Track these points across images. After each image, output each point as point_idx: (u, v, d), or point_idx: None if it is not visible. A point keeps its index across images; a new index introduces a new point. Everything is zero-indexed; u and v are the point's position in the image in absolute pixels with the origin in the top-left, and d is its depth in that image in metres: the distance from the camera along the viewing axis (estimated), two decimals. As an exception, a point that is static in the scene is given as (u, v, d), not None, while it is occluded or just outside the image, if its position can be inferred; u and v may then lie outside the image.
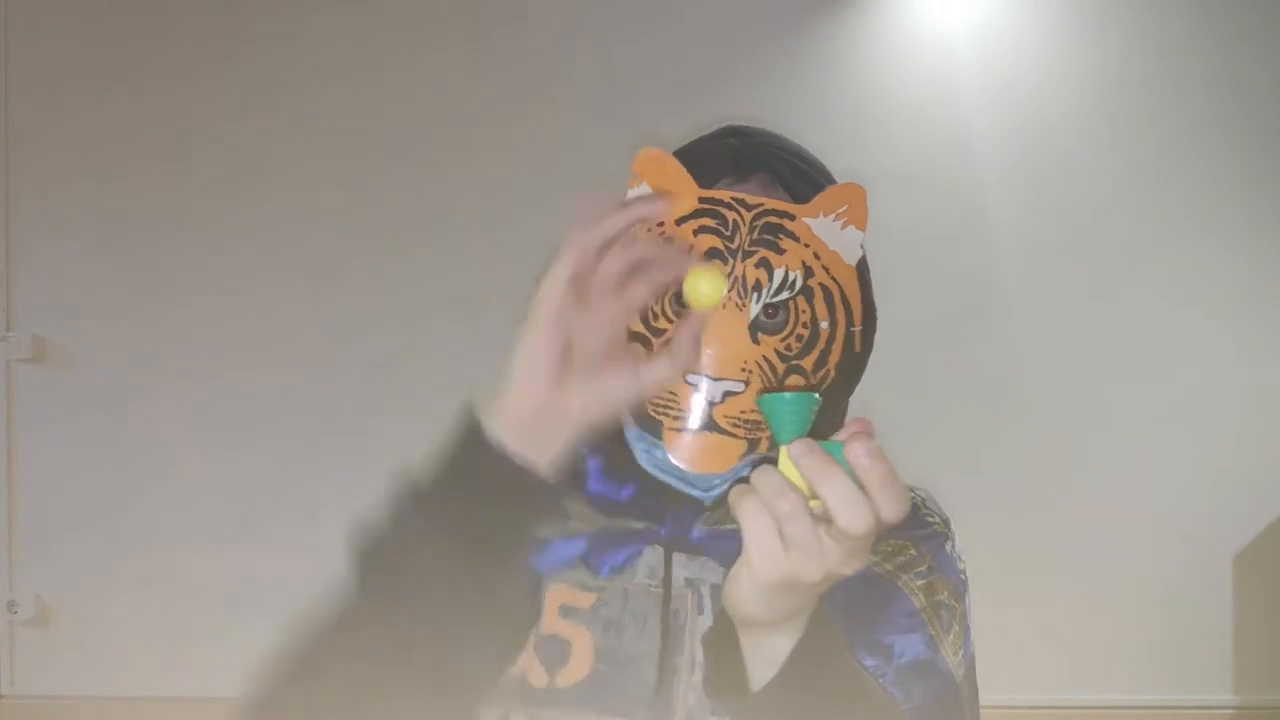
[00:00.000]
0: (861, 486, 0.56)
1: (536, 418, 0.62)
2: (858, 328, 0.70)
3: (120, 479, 2.14)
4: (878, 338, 0.76)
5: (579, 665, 0.73)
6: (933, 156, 2.14)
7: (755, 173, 0.73)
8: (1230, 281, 2.15)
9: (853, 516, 0.55)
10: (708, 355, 0.66)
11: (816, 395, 0.60)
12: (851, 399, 0.79)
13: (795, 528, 0.56)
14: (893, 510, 0.56)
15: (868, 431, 0.58)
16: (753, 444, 0.67)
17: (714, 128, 0.80)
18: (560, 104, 2.15)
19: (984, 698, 0.87)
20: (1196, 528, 2.13)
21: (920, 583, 0.78)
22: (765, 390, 0.65)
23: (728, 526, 0.73)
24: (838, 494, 0.55)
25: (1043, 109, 2.15)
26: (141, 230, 2.15)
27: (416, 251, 2.15)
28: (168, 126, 2.16)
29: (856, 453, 0.56)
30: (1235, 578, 2.14)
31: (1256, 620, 2.14)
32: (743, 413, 0.66)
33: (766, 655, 0.63)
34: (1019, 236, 2.13)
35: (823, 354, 0.68)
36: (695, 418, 0.66)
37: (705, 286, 0.61)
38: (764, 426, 0.66)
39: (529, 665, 0.74)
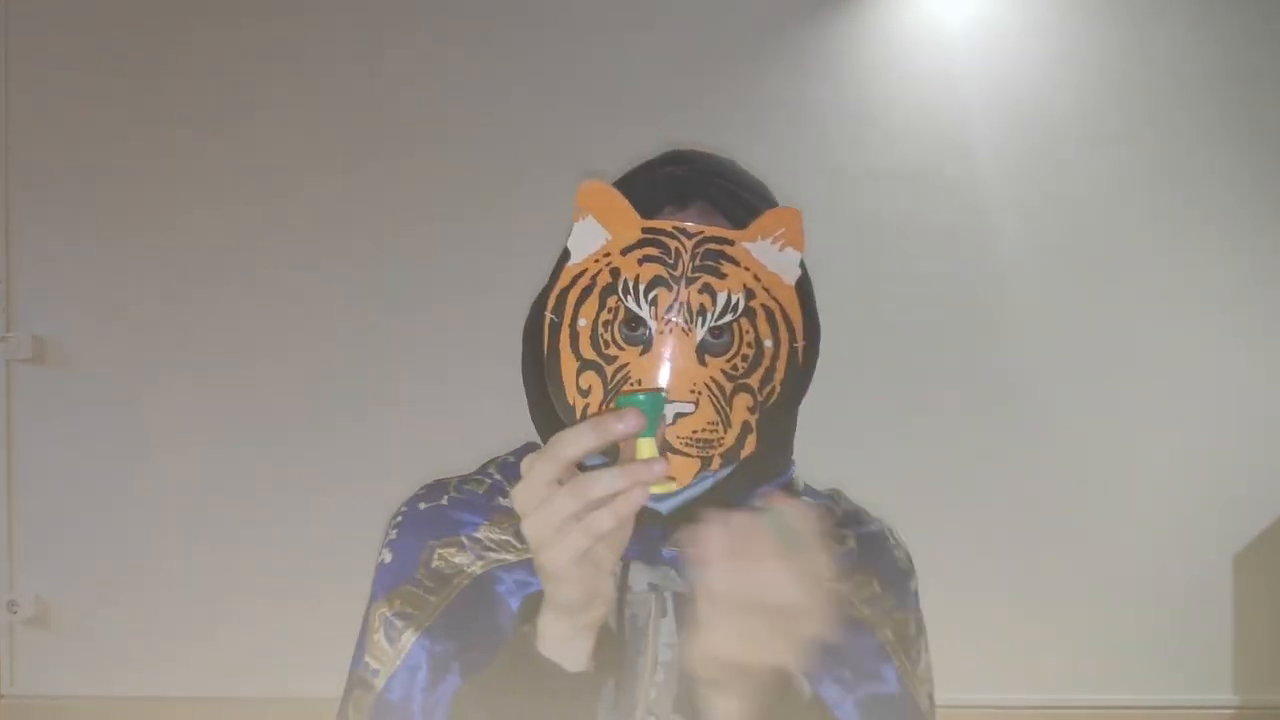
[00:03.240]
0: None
1: (578, 631, 0.67)
2: (800, 344, 0.73)
3: (120, 479, 2.14)
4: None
5: None
6: (932, 156, 2.14)
7: (694, 201, 0.77)
8: (1231, 281, 2.15)
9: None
10: (657, 378, 0.69)
11: (663, 394, 0.67)
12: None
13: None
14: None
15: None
16: (705, 461, 0.70)
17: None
18: (558, 103, 2.15)
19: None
20: (1196, 528, 2.13)
21: (887, 617, 0.81)
22: (628, 393, 0.69)
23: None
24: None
25: (1043, 109, 2.15)
26: (142, 230, 2.15)
27: (419, 249, 2.15)
28: (168, 126, 2.16)
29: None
30: (1235, 578, 2.14)
31: (1256, 620, 2.14)
32: (694, 432, 0.69)
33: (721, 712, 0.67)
34: (1019, 236, 2.13)
35: (768, 371, 0.71)
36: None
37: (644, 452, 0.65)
38: (715, 445, 0.70)
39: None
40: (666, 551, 0.79)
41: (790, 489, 0.85)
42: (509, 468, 0.87)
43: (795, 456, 0.86)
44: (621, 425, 0.62)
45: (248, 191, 2.15)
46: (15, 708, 2.15)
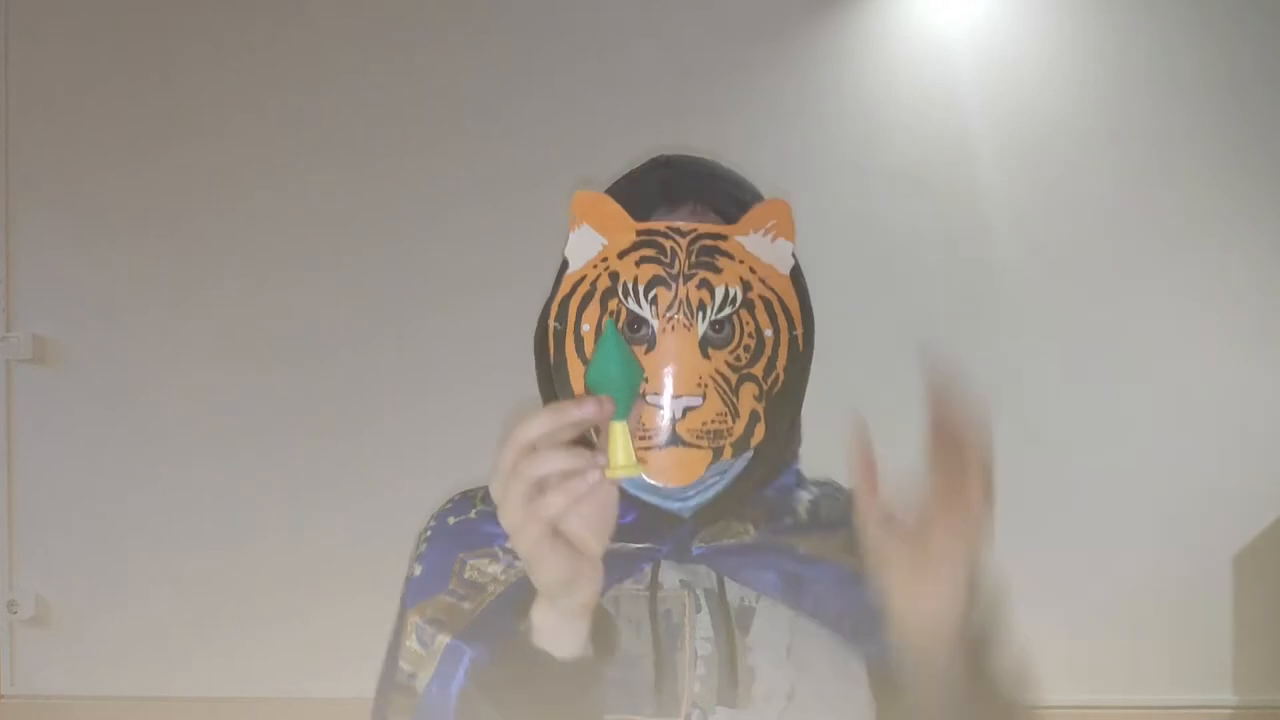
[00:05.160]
0: None
1: (566, 618, 0.68)
2: (799, 331, 0.75)
3: (120, 479, 2.14)
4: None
5: None
6: (933, 157, 2.14)
7: (685, 201, 0.78)
8: (1231, 281, 2.15)
9: None
10: (665, 374, 0.71)
11: (639, 374, 0.66)
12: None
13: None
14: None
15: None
16: (716, 453, 0.72)
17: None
18: (558, 102, 2.15)
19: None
20: (1196, 528, 2.13)
21: None
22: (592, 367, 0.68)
23: (724, 542, 0.80)
24: None
25: (1043, 109, 2.15)
26: (142, 231, 2.15)
27: (420, 248, 2.15)
28: (169, 126, 2.16)
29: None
30: (1235, 578, 2.14)
31: (1256, 620, 2.14)
32: (704, 424, 0.71)
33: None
34: (1019, 236, 2.13)
35: (770, 360, 0.74)
36: (660, 434, 0.71)
37: (620, 457, 0.65)
38: (725, 435, 0.72)
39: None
40: (696, 549, 0.80)
41: (799, 480, 0.87)
42: None
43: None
44: (579, 412, 0.62)
45: (250, 192, 2.15)
46: (15, 708, 2.15)
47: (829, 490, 0.88)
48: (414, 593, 0.83)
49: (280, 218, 2.15)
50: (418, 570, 0.85)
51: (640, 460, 0.70)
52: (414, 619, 0.82)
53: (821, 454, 0.89)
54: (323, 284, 2.15)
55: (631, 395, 0.65)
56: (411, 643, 0.81)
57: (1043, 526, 2.12)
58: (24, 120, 2.15)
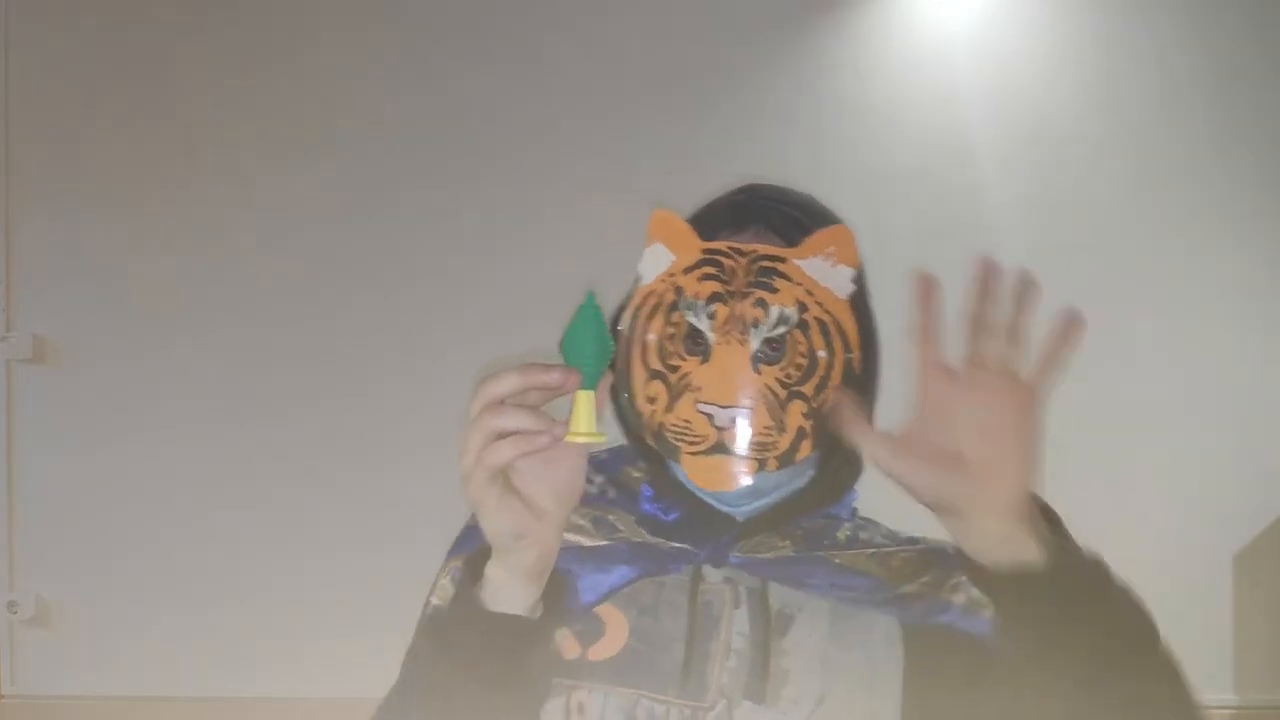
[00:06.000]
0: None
1: (513, 576, 0.70)
2: (854, 354, 0.78)
3: (120, 479, 2.14)
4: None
5: (612, 641, 0.80)
6: (933, 157, 2.14)
7: (751, 224, 0.83)
8: (1231, 281, 2.15)
9: None
10: (716, 386, 0.75)
11: (611, 344, 0.69)
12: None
13: None
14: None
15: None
16: (760, 463, 0.75)
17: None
18: (557, 102, 2.15)
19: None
20: (1196, 528, 2.13)
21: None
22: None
23: (761, 555, 0.83)
24: None
25: (1044, 108, 2.15)
26: (143, 230, 2.15)
27: (423, 248, 2.15)
28: (169, 126, 2.16)
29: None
30: (1235, 578, 2.14)
31: (1256, 620, 2.14)
32: (750, 436, 0.75)
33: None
34: (1019, 236, 2.13)
35: (822, 380, 0.76)
36: (708, 442, 0.75)
37: (581, 425, 0.68)
38: (769, 448, 0.75)
39: (562, 638, 0.80)
40: (734, 557, 0.83)
41: (852, 515, 0.90)
42: (596, 463, 0.90)
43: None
44: (545, 376, 0.66)
45: (251, 192, 2.15)
46: (15, 708, 2.16)
47: (872, 524, 0.91)
48: (462, 541, 0.87)
49: (284, 219, 2.15)
50: (469, 525, 0.87)
51: (688, 466, 0.75)
52: (454, 563, 0.84)
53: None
54: (325, 284, 2.15)
55: (600, 366, 0.68)
56: (445, 580, 0.85)
57: (1043, 526, 2.12)
58: (24, 120, 2.15)
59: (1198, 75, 2.15)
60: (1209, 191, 2.14)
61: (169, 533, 2.14)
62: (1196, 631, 2.12)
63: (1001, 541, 0.70)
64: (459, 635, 0.71)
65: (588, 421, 0.67)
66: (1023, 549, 0.71)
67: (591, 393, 0.68)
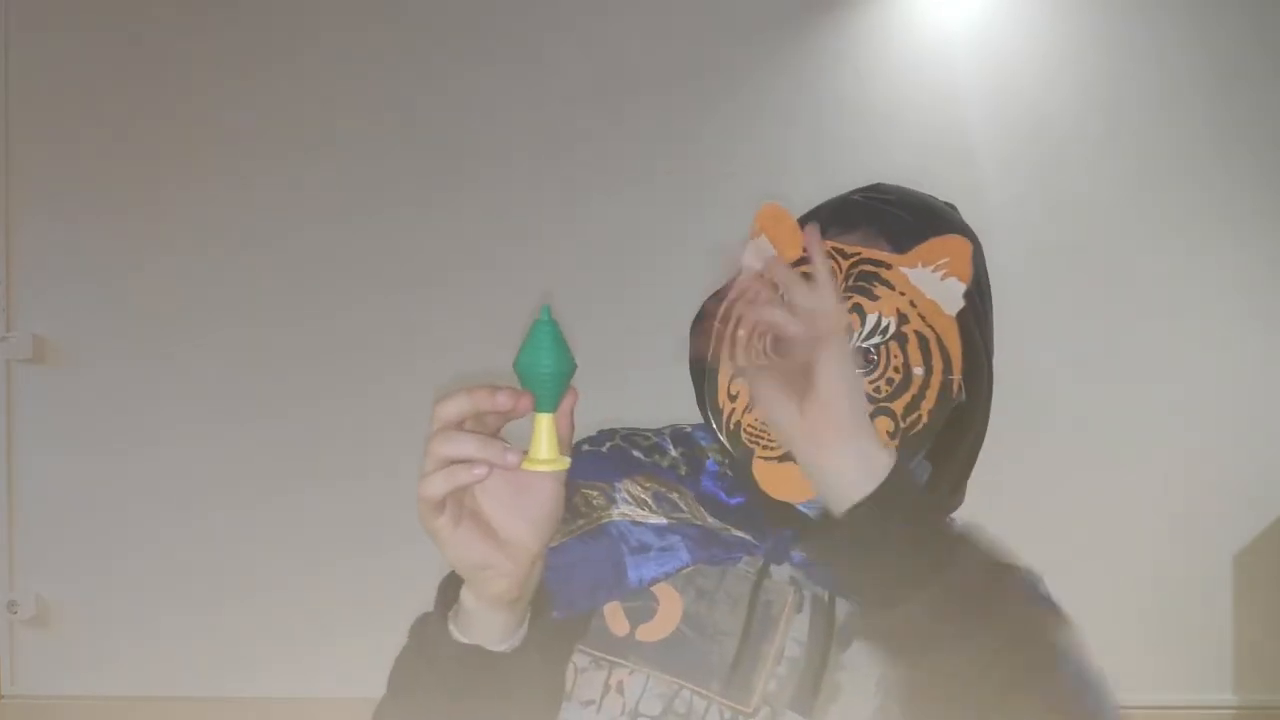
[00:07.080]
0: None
1: (480, 607, 0.65)
2: (956, 376, 0.73)
3: (120, 479, 2.14)
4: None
5: (664, 624, 0.76)
6: (933, 157, 2.13)
7: (861, 225, 0.78)
8: (1231, 281, 2.15)
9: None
10: None
11: (571, 363, 0.62)
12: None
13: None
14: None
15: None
16: None
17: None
18: (557, 102, 2.15)
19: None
20: (1196, 528, 2.13)
21: None
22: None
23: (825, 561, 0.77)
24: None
25: (1044, 108, 2.14)
26: (143, 230, 2.15)
27: (423, 248, 2.15)
28: (169, 126, 2.16)
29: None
30: (1235, 578, 2.14)
31: (1256, 620, 2.14)
32: None
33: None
34: (1019, 236, 2.13)
35: (915, 399, 0.72)
36: (781, 450, 0.71)
37: (541, 451, 0.61)
38: None
39: (612, 613, 0.76)
40: (795, 555, 0.78)
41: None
42: (681, 435, 0.87)
43: None
44: (492, 399, 0.61)
45: (251, 192, 2.15)
46: (15, 708, 2.15)
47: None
48: None
49: (285, 219, 2.15)
50: None
51: (759, 470, 0.69)
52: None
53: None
54: (325, 284, 2.15)
55: (560, 387, 0.61)
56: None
57: (1043, 525, 2.12)
58: (24, 120, 2.15)
59: (1198, 75, 2.14)
60: (1209, 191, 2.14)
61: (169, 533, 2.14)
62: (1196, 631, 2.13)
63: (836, 477, 0.65)
64: (434, 660, 0.67)
65: (549, 447, 0.61)
66: (854, 484, 0.64)
67: (551, 415, 0.61)
